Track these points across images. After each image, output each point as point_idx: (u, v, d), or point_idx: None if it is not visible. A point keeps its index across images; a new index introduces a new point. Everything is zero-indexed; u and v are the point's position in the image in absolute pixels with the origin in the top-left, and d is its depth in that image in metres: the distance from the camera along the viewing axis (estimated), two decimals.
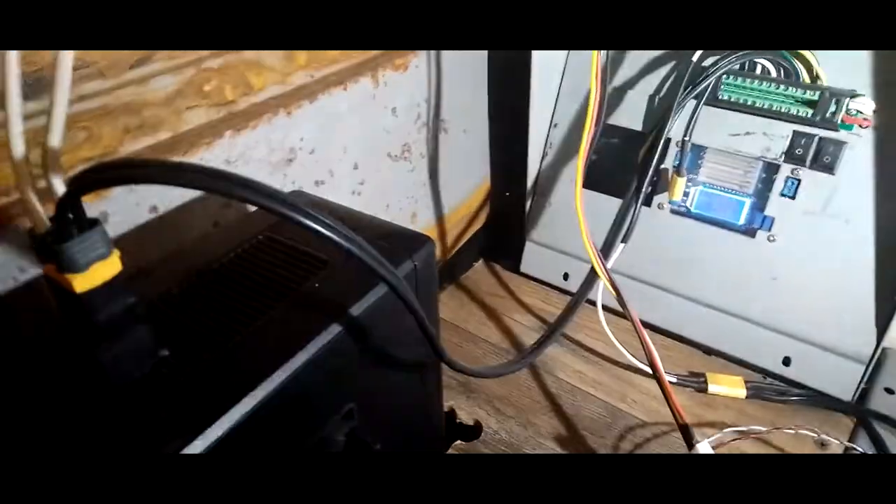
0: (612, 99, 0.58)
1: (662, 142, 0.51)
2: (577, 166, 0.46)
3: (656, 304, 0.59)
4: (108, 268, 0.23)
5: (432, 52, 0.56)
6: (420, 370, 0.39)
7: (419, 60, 0.55)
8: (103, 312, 0.23)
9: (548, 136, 0.63)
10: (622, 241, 0.51)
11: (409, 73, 0.55)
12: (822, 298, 0.51)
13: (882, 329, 0.49)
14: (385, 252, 0.31)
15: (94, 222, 0.23)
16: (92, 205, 0.36)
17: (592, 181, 0.61)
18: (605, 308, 0.53)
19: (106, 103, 0.37)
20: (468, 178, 0.68)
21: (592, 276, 0.50)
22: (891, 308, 0.48)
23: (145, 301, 0.29)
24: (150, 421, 0.24)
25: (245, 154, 0.44)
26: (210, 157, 0.42)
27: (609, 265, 0.52)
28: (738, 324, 0.55)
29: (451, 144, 0.63)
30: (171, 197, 0.40)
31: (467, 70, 0.62)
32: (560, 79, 0.62)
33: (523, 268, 0.67)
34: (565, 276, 0.64)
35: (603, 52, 0.44)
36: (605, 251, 0.51)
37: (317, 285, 0.31)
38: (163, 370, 0.26)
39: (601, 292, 0.53)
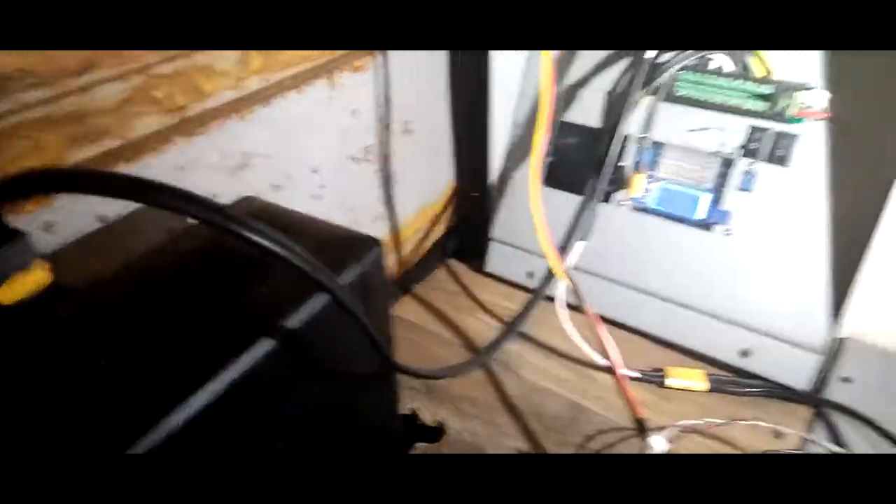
0: (569, 96, 0.59)
1: (620, 139, 0.51)
2: (531, 165, 0.46)
3: (618, 299, 0.59)
4: (32, 280, 0.23)
5: (393, 54, 0.56)
6: (374, 375, 0.39)
7: (378, 62, 0.55)
8: (29, 323, 0.23)
9: (510, 134, 0.64)
10: (581, 239, 0.52)
11: (369, 75, 0.55)
12: (778, 290, 0.52)
13: (836, 318, 0.50)
14: (330, 256, 0.31)
15: (14, 234, 0.23)
16: (34, 213, 0.36)
17: (554, 179, 0.61)
18: (568, 306, 0.54)
19: (50, 112, 0.37)
20: (434, 179, 0.69)
21: (551, 273, 0.50)
22: (845, 298, 0.49)
23: (82, 312, 0.29)
24: (77, 431, 0.23)
25: (197, 160, 0.44)
26: (160, 163, 0.42)
27: (569, 262, 0.53)
28: (698, 317, 0.56)
29: (416, 145, 0.63)
30: (120, 206, 0.40)
31: (430, 71, 0.62)
32: (521, 76, 0.62)
33: (488, 267, 0.67)
34: (530, 275, 0.64)
35: (555, 52, 0.44)
36: (565, 249, 0.51)
37: (259, 294, 0.31)
38: (96, 381, 0.25)
39: (562, 290, 0.53)
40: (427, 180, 0.67)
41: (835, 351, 0.54)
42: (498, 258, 0.67)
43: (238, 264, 0.33)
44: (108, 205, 0.39)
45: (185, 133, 0.43)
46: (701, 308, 0.56)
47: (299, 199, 0.52)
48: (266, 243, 0.23)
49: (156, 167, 0.42)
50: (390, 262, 0.65)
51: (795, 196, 0.50)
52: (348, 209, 0.57)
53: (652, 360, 0.58)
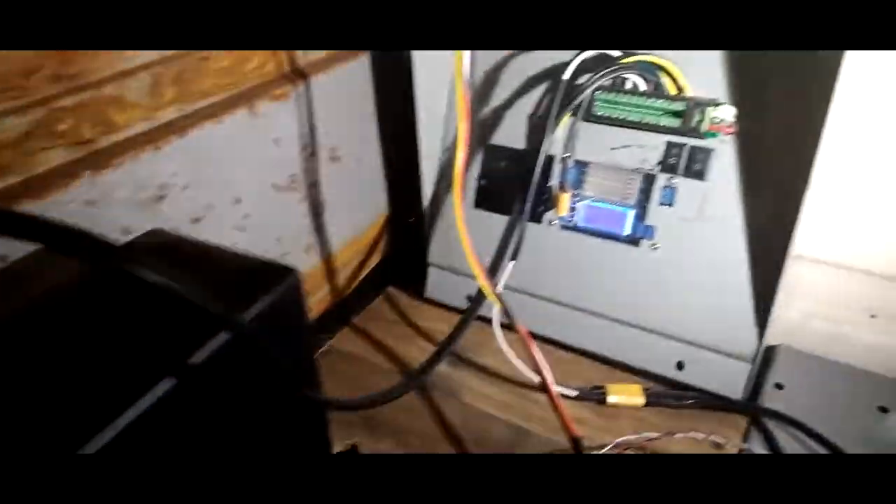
0: (495, 119, 0.59)
1: (542, 160, 0.52)
2: (454, 188, 0.46)
3: (556, 318, 0.60)
4: None
5: (315, 82, 0.55)
6: (295, 409, 0.38)
7: (300, 90, 0.55)
8: None
9: (440, 157, 0.64)
10: (511, 259, 0.52)
11: (291, 103, 0.54)
12: (705, 300, 0.53)
13: (763, 326, 0.51)
14: (238, 288, 0.29)
15: None
16: None
17: (485, 201, 0.61)
18: (504, 326, 0.53)
19: None
20: (367, 206, 0.68)
21: (481, 294, 0.50)
22: (768, 305, 0.50)
23: None
24: None
25: (108, 194, 0.42)
26: (68, 199, 0.40)
27: (501, 283, 0.53)
28: (632, 332, 0.56)
29: (344, 173, 0.62)
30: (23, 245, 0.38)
31: (355, 98, 0.62)
32: (447, 98, 0.62)
33: (427, 293, 0.67)
34: (470, 298, 0.64)
35: (467, 69, 0.44)
36: (494, 270, 0.51)
37: (161, 332, 0.29)
38: None
39: (497, 311, 0.53)
40: (359, 208, 0.66)
41: (765, 358, 0.55)
42: (436, 283, 0.67)
43: (140, 302, 0.32)
44: (8, 245, 0.37)
45: (96, 167, 0.41)
46: (635, 322, 0.56)
47: (222, 231, 0.50)
48: (154, 278, 0.22)
49: (64, 203, 0.40)
50: (323, 293, 0.64)
51: (714, 208, 0.52)
52: (275, 240, 0.56)
53: (592, 377, 0.58)
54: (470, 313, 0.52)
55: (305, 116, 0.56)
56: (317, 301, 0.63)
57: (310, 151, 0.57)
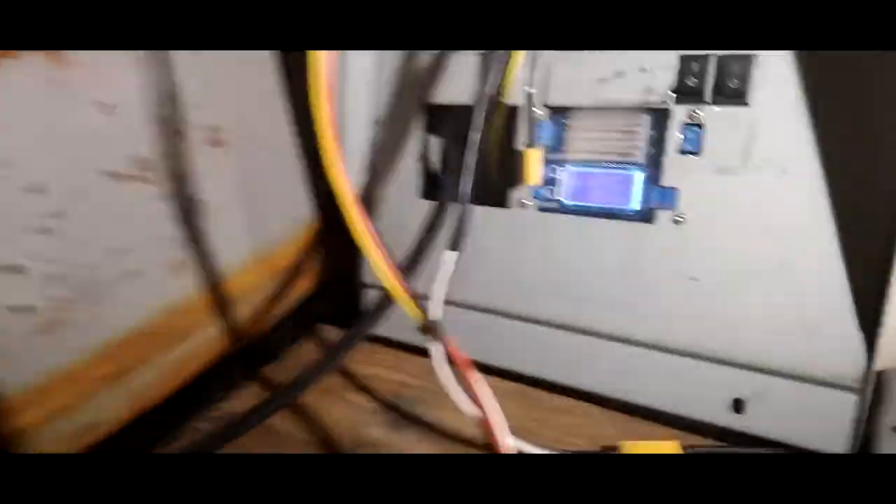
0: (434, 64, 0.42)
1: (491, 107, 0.34)
2: (331, 177, 0.28)
3: (541, 347, 0.40)
4: None
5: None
6: None
7: None
8: None
9: (371, 139, 0.46)
10: (453, 249, 0.33)
11: (131, 55, 0.38)
12: (770, 299, 0.33)
13: (871, 340, 0.31)
14: None
15: None
16: None
17: (432, 189, 0.43)
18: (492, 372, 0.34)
19: None
20: (281, 213, 0.50)
21: (386, 302, 0.31)
22: (877, 305, 0.30)
23: None
24: None
25: None
26: None
27: (438, 287, 0.34)
28: (658, 358, 0.36)
29: (234, 164, 0.45)
30: None
31: (250, 63, 0.46)
32: (377, 63, 0.45)
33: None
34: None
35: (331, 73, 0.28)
36: (412, 268, 0.33)
37: None
38: None
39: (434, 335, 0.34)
40: (264, 214, 0.48)
41: (876, 389, 0.35)
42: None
43: None
44: None
45: None
46: (661, 343, 0.36)
47: (9, 233, 0.33)
48: None
49: None
50: (212, 335, 0.45)
51: (769, 146, 0.33)
52: (114, 250, 0.38)
53: (601, 433, 0.37)
54: (360, 329, 0.33)
55: (158, 76, 0.39)
56: (199, 346, 0.44)
57: (171, 128, 0.40)
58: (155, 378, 0.42)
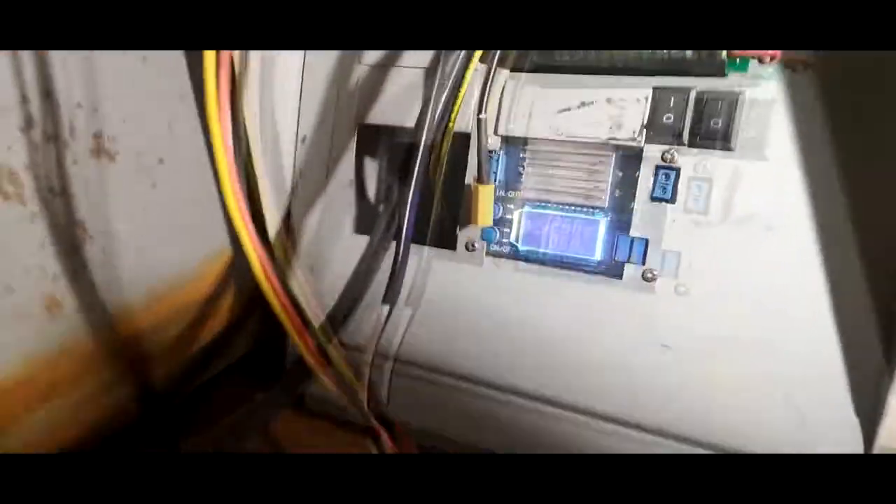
0: (372, 83, 0.36)
1: (426, 131, 0.29)
2: (231, 209, 0.23)
3: (477, 411, 0.35)
4: None
5: None
6: None
7: None
8: None
9: (295, 159, 0.40)
10: (386, 302, 0.27)
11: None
12: (753, 374, 0.29)
13: (870, 424, 0.27)
14: None
15: None
16: None
17: (366, 221, 0.38)
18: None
19: None
20: (187, 239, 0.43)
21: (299, 370, 0.26)
22: (880, 383, 0.26)
23: None
24: None
25: None
26: None
27: (370, 344, 0.28)
28: (620, 434, 0.32)
29: (131, 179, 0.38)
30: None
31: (150, 63, 0.39)
32: (301, 69, 0.39)
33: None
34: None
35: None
36: (339, 317, 0.27)
37: None
38: None
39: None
40: (167, 242, 0.41)
41: None
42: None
43: None
44: None
45: None
46: (620, 416, 0.32)
47: None
48: None
49: None
50: (101, 389, 0.37)
51: (752, 202, 0.28)
52: None
53: None
54: (274, 398, 0.27)
55: (34, 70, 0.32)
56: (80, 405, 0.37)
57: (46, 133, 0.33)
58: (20, 446, 0.34)
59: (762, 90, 0.28)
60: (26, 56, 0.32)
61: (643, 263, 0.30)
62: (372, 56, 0.36)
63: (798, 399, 0.28)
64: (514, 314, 0.33)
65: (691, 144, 0.29)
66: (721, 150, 0.28)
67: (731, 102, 0.28)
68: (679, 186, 0.29)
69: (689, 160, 0.29)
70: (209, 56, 0.23)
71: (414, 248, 0.33)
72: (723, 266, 0.29)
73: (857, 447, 0.27)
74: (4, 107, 0.31)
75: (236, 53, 0.34)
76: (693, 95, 0.29)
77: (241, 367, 0.47)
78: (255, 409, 0.29)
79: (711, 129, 0.28)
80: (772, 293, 0.28)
